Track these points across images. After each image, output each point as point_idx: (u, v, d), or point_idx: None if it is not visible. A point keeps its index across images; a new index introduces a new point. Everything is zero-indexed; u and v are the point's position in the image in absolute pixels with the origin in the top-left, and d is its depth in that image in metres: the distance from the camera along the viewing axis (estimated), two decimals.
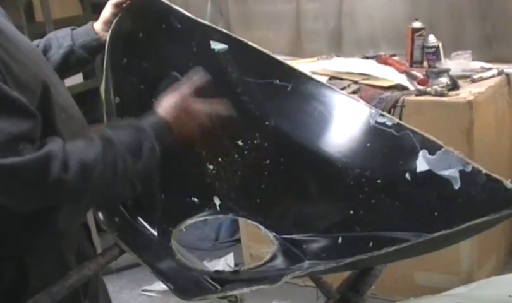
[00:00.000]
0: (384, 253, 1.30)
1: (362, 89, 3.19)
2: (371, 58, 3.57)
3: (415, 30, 3.40)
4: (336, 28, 3.98)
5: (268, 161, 1.81)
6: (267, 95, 1.79)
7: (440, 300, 2.07)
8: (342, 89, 3.22)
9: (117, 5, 1.79)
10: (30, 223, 1.51)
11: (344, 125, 1.73)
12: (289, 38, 4.13)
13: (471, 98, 2.94)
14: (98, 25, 1.83)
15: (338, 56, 3.82)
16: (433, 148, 1.55)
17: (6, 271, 1.54)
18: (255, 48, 1.78)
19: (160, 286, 3.56)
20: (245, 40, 1.77)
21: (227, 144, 1.84)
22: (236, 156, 1.83)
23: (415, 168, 1.56)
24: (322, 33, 4.01)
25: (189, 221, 1.83)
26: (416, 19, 3.43)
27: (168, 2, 1.80)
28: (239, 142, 1.83)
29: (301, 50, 4.07)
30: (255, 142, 1.82)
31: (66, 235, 1.63)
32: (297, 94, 1.77)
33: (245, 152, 1.83)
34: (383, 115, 1.67)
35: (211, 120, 1.61)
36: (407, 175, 1.58)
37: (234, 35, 1.80)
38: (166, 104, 1.56)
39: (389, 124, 1.64)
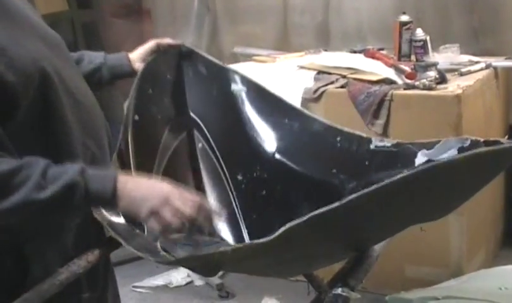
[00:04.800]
0: (379, 189, 1.22)
1: (350, 83, 3.19)
2: (359, 52, 3.57)
3: (403, 24, 3.39)
4: (323, 22, 3.97)
5: (264, 192, 1.84)
6: (275, 130, 1.88)
7: (431, 293, 2.08)
8: (330, 83, 3.24)
9: (159, 47, 1.94)
10: None
11: (345, 156, 1.77)
12: (276, 33, 4.12)
13: (460, 91, 2.94)
14: (134, 55, 1.94)
15: (326, 50, 3.82)
16: (431, 145, 1.56)
17: (6, 262, 1.54)
18: (270, 92, 1.90)
19: (151, 282, 3.57)
20: (262, 85, 1.91)
21: (225, 181, 1.91)
22: (233, 189, 1.86)
23: (413, 165, 1.57)
24: (309, 27, 4.01)
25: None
26: (404, 13, 3.43)
27: (201, 52, 1.98)
28: (239, 177, 1.89)
29: (289, 44, 4.07)
30: (255, 174, 1.88)
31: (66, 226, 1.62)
32: (304, 131, 1.84)
33: (242, 186, 1.88)
34: (382, 140, 1.70)
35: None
36: (405, 171, 1.58)
37: (253, 80, 1.93)
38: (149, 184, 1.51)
39: (388, 145, 1.68)
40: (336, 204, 1.21)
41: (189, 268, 1.72)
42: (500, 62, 3.33)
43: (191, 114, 1.91)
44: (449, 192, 1.38)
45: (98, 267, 1.68)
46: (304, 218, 1.21)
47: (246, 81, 1.92)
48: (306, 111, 1.87)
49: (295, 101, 3.22)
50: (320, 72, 3.36)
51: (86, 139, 1.60)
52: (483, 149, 1.28)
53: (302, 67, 3.44)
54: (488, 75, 3.23)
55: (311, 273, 1.72)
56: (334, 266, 1.71)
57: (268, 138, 1.88)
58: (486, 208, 3.34)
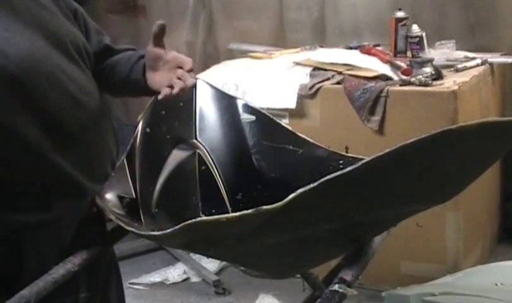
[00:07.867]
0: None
1: (346, 80, 3.19)
2: (355, 48, 3.57)
3: (399, 20, 3.40)
4: (319, 18, 3.97)
5: None
6: (279, 155, 1.94)
7: (427, 289, 2.08)
8: (326, 80, 3.23)
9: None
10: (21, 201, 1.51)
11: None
12: (272, 29, 4.12)
13: (456, 87, 2.95)
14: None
15: (322, 46, 3.82)
16: None
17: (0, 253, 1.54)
18: (277, 122, 1.98)
19: (148, 279, 3.57)
20: (270, 115, 1.99)
21: (224, 198, 1.93)
22: (230, 208, 1.88)
23: None
24: (305, 23, 4.01)
25: None
26: (400, 9, 3.44)
27: (215, 86, 2.05)
28: (238, 197, 1.93)
29: (285, 40, 4.07)
30: (254, 194, 1.92)
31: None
32: (307, 156, 1.88)
33: (241, 204, 1.89)
34: None
35: None
36: None
37: (263, 110, 2.01)
38: None
39: None
40: (349, 168, 1.22)
41: (187, 246, 1.75)
42: (496, 58, 3.33)
43: (199, 139, 2.00)
44: (458, 165, 1.39)
45: (98, 266, 1.66)
46: (316, 183, 1.21)
47: (256, 112, 2.02)
48: (311, 140, 1.92)
49: (291, 97, 3.22)
50: (315, 68, 3.36)
51: (83, 137, 1.60)
52: (492, 118, 1.30)
53: (298, 64, 3.44)
54: (484, 71, 3.23)
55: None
56: (329, 264, 1.71)
57: (271, 161, 1.96)
58: (482, 204, 3.35)
